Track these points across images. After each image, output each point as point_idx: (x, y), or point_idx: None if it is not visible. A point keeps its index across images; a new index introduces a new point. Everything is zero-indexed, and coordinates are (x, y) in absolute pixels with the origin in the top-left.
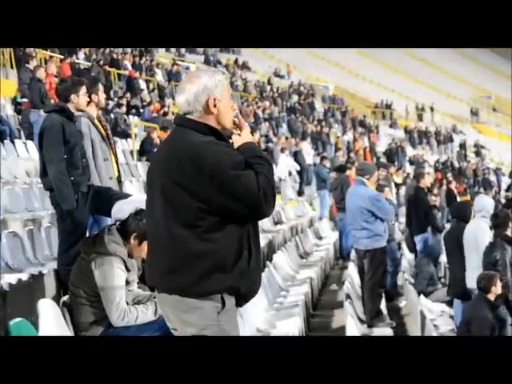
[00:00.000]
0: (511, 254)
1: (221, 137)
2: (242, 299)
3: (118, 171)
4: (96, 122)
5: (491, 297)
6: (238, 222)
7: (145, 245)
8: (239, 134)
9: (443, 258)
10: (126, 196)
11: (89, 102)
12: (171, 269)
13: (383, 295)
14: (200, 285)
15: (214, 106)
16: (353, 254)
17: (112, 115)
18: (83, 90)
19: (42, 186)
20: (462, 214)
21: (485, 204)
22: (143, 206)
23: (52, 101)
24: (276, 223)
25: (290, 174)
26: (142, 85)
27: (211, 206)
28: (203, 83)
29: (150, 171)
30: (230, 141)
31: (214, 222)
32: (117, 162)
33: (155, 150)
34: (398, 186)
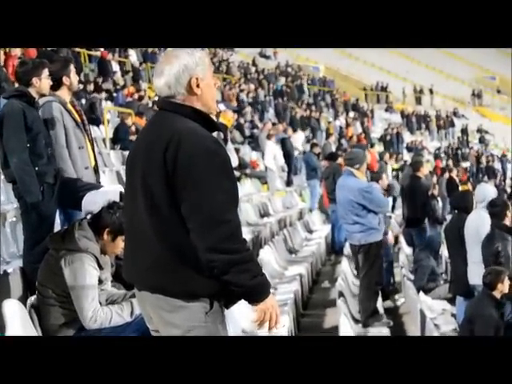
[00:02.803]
0: None
1: (208, 122)
2: (230, 303)
3: (95, 160)
4: (69, 106)
5: (497, 294)
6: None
7: (119, 240)
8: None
9: (445, 252)
10: (98, 187)
11: (60, 86)
12: (154, 265)
13: (379, 293)
14: (185, 285)
15: (197, 86)
16: (346, 249)
17: (83, 100)
18: (45, 72)
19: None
20: (462, 205)
21: (487, 193)
22: (117, 198)
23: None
24: (262, 216)
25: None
26: (115, 67)
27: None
28: (183, 63)
29: (130, 159)
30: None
31: None
32: (93, 150)
33: (130, 137)
34: (396, 170)
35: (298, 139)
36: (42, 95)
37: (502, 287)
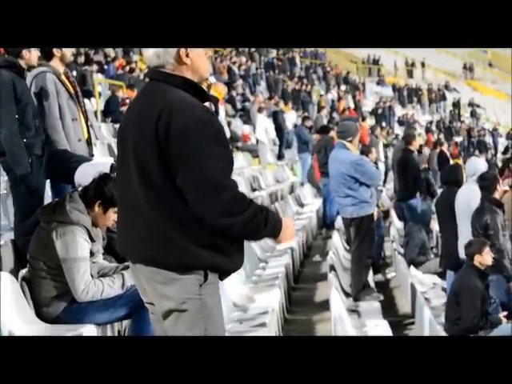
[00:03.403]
0: (502, 218)
1: (200, 92)
2: (225, 275)
3: (88, 132)
4: (63, 78)
5: (479, 265)
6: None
7: (110, 212)
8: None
9: (435, 227)
10: (88, 159)
11: (51, 57)
12: (147, 237)
13: (370, 267)
14: (179, 258)
15: (187, 55)
16: (337, 223)
17: (74, 73)
18: None
19: None
20: (452, 179)
21: (477, 167)
22: (107, 170)
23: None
24: (254, 189)
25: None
26: None
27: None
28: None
29: (121, 131)
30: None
31: None
32: (86, 123)
33: (121, 109)
34: (386, 146)
35: (290, 118)
36: (30, 66)
37: (481, 258)
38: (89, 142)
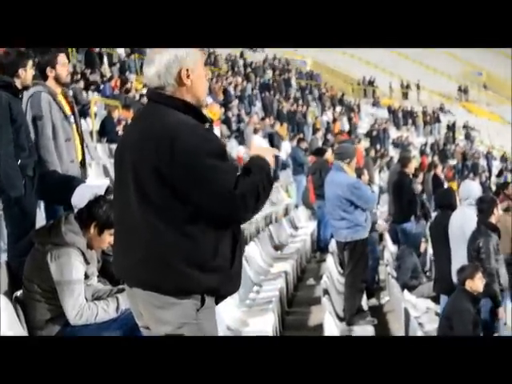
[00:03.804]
0: (496, 242)
1: (199, 114)
2: (222, 298)
3: (83, 154)
4: (59, 98)
5: (471, 290)
6: (211, 219)
7: (106, 234)
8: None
9: (429, 250)
10: (79, 180)
11: (46, 77)
12: (145, 260)
13: (364, 291)
14: (177, 282)
15: (187, 76)
16: (331, 246)
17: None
18: (30, 62)
19: None
20: (446, 202)
21: (471, 190)
22: (103, 192)
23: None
24: None
25: None
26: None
27: (185, 195)
28: (174, 53)
29: (119, 152)
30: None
31: (191, 213)
32: (81, 144)
33: (117, 129)
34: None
35: (284, 147)
36: (25, 86)
37: (472, 283)
38: (83, 164)
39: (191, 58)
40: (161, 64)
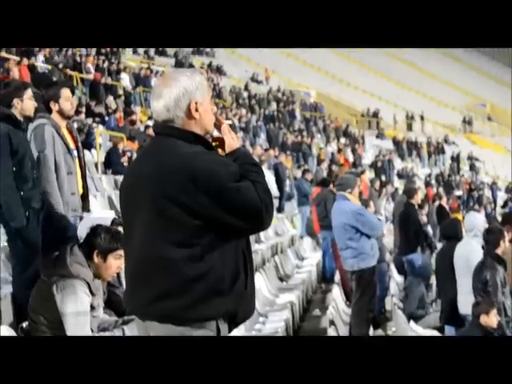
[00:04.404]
0: (502, 275)
1: (208, 145)
2: (236, 324)
3: (85, 187)
4: (63, 131)
5: (485, 325)
6: (236, 238)
7: (111, 260)
8: (219, 139)
9: (435, 281)
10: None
11: (50, 110)
12: (163, 294)
13: (371, 320)
14: (196, 310)
15: (196, 110)
16: (337, 277)
17: (75, 124)
18: (28, 93)
19: None
20: (452, 233)
21: (476, 222)
22: (109, 224)
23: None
24: (254, 242)
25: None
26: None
27: (211, 222)
28: (183, 86)
29: (128, 186)
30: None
31: (211, 240)
32: (83, 177)
33: (122, 160)
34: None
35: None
36: (27, 117)
37: (487, 319)
38: (84, 197)
39: (200, 92)
40: (170, 98)
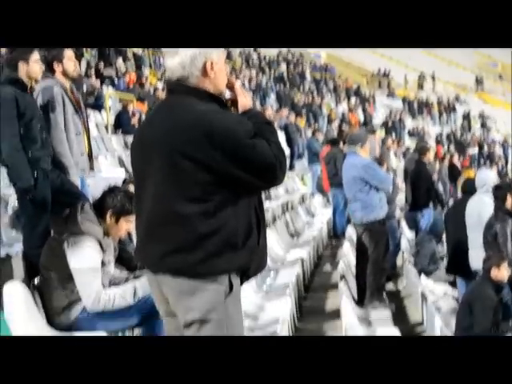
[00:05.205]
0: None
1: (222, 103)
2: (248, 277)
3: (90, 147)
4: (69, 92)
5: (496, 279)
6: (250, 194)
7: (122, 222)
8: (234, 100)
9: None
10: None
11: (54, 71)
12: (177, 248)
13: (387, 270)
14: (209, 264)
15: (212, 69)
16: (348, 232)
17: (85, 86)
18: (34, 56)
19: None
20: (473, 189)
21: (487, 178)
22: (119, 184)
23: None
24: (264, 200)
25: None
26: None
27: (225, 179)
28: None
29: (142, 144)
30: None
31: (225, 196)
32: (88, 138)
33: (132, 122)
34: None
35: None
36: (34, 80)
37: (497, 272)
38: (90, 156)
39: (215, 51)
40: (186, 55)
